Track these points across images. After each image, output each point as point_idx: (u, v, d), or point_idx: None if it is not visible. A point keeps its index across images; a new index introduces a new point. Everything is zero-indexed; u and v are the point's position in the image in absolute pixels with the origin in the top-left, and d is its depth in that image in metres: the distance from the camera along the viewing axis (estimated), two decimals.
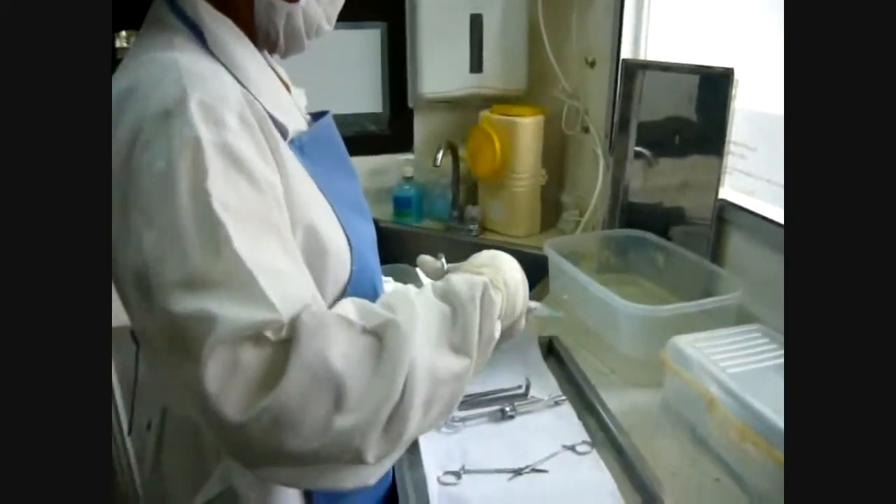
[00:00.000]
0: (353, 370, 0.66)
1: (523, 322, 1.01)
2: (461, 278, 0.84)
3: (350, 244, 0.88)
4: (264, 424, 0.63)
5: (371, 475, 0.74)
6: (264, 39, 0.90)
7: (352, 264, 0.87)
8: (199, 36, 0.82)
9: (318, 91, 1.13)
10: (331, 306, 0.76)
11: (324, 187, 0.87)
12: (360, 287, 0.88)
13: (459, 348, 0.77)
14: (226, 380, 0.63)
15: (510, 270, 0.94)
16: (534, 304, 1.08)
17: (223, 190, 0.69)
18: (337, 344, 0.67)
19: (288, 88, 0.98)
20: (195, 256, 0.66)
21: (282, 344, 0.65)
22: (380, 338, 0.70)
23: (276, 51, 0.93)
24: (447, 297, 0.81)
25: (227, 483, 0.87)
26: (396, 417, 0.69)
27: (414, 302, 0.76)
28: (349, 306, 0.73)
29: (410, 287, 0.82)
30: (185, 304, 0.65)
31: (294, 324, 0.66)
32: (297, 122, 0.90)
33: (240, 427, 0.63)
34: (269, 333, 0.65)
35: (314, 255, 0.81)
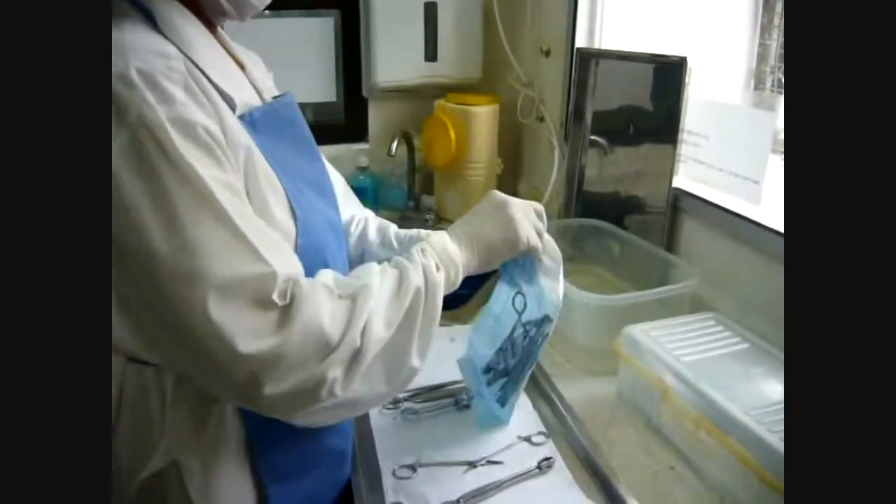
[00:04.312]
0: (333, 327, 0.80)
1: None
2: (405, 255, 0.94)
3: (296, 220, 0.88)
4: (264, 363, 0.76)
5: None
6: (213, 10, 0.90)
7: (297, 240, 0.88)
8: (151, 18, 0.83)
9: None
10: None
11: (276, 163, 0.88)
12: (309, 265, 0.87)
13: (407, 296, 0.87)
14: (237, 324, 0.75)
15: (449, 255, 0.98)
16: None
17: (194, 160, 0.75)
18: (325, 306, 0.80)
19: (243, 68, 0.98)
20: (186, 225, 0.74)
21: (286, 306, 0.78)
22: (353, 300, 0.83)
23: (231, 16, 0.93)
24: (396, 265, 0.91)
25: (172, 457, 0.88)
26: (356, 359, 0.82)
27: (375, 270, 0.89)
28: (329, 276, 0.86)
29: (373, 263, 0.92)
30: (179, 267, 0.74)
31: (294, 289, 0.79)
32: (248, 98, 0.91)
33: (246, 358, 0.75)
34: (275, 297, 0.77)
35: None
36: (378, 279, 0.87)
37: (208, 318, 0.74)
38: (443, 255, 0.95)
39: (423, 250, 0.93)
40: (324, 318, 0.80)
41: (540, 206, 1.10)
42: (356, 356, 0.82)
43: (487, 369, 1.17)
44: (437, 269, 0.92)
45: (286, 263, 0.80)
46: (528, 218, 1.06)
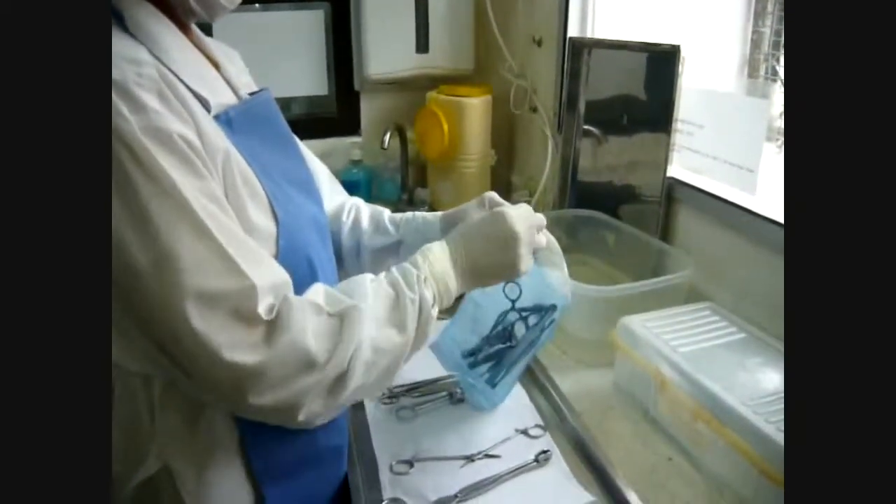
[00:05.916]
0: (320, 346, 0.80)
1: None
2: (402, 274, 0.92)
3: (277, 220, 0.87)
4: (248, 375, 0.76)
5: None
6: (182, 11, 0.89)
7: (278, 241, 0.87)
8: (120, 20, 0.82)
9: (262, 74, 1.10)
10: None
11: (254, 162, 0.87)
12: (292, 265, 0.86)
13: (400, 326, 0.88)
14: (220, 334, 0.75)
15: (437, 263, 0.96)
16: None
17: (171, 170, 0.74)
18: (311, 325, 0.80)
19: (217, 66, 0.96)
20: (166, 240, 0.73)
21: (272, 321, 0.78)
22: (341, 320, 0.83)
23: (201, 17, 0.92)
24: (393, 285, 0.90)
25: (164, 462, 0.88)
26: (340, 382, 0.83)
27: (367, 289, 0.88)
28: (320, 292, 0.85)
29: (367, 275, 0.92)
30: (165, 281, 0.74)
31: (282, 304, 0.79)
32: (224, 97, 0.90)
33: (231, 365, 0.75)
34: (261, 311, 0.77)
35: None
36: (371, 300, 0.86)
37: (191, 327, 0.74)
38: (441, 285, 0.94)
39: (424, 279, 0.91)
40: (310, 336, 0.80)
41: (542, 220, 1.07)
42: (340, 379, 0.82)
43: (469, 353, 1.17)
44: (434, 303, 0.92)
45: (268, 276, 0.80)
46: (529, 242, 1.02)
